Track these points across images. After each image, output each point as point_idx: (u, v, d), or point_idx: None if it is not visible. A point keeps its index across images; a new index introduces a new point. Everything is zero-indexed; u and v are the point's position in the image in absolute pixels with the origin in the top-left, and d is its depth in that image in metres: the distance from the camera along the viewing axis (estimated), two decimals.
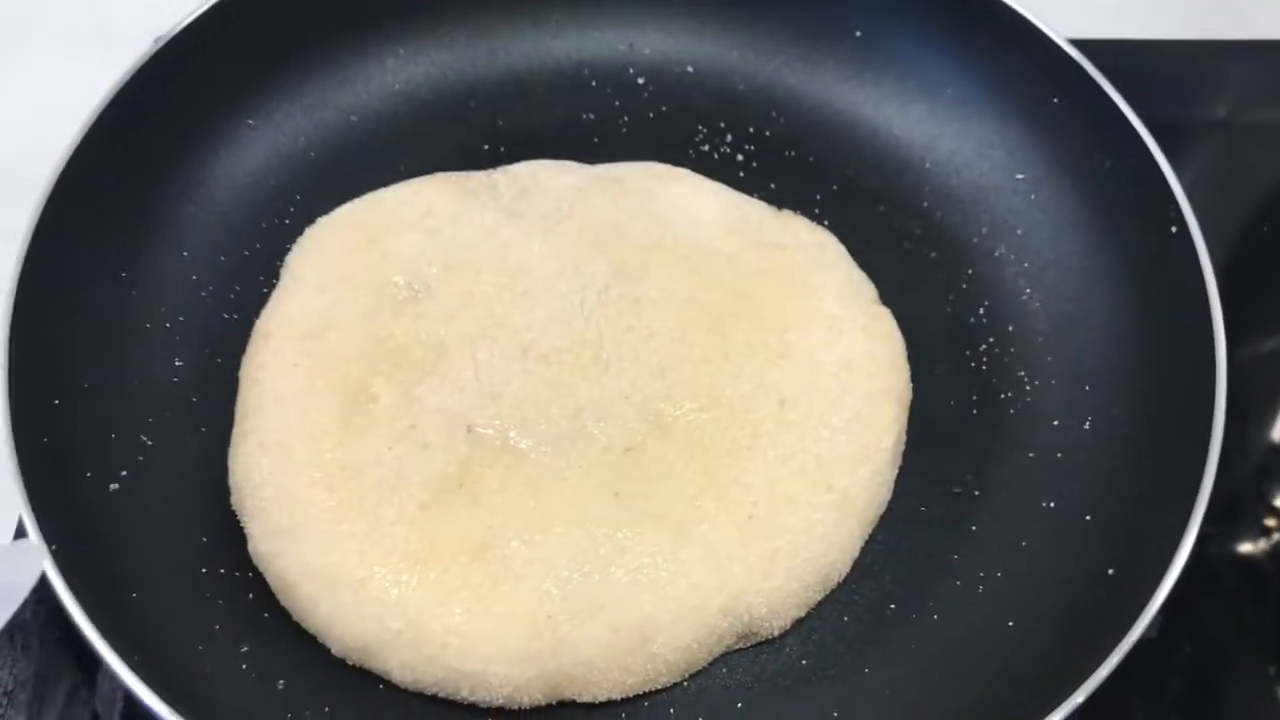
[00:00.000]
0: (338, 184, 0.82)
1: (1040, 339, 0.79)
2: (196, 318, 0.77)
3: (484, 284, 0.76)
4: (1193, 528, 0.65)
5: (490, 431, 0.71)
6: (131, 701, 0.59)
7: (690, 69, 0.90)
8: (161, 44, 0.78)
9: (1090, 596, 0.68)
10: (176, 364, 0.75)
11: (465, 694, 0.65)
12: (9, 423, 0.64)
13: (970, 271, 0.83)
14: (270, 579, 0.67)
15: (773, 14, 0.90)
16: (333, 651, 0.66)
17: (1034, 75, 0.83)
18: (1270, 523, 0.81)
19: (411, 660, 0.65)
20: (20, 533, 0.72)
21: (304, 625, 0.67)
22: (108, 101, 0.75)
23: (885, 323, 0.78)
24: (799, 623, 0.70)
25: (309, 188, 0.83)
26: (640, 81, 0.90)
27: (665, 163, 0.84)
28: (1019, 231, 0.83)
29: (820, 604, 0.70)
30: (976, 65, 0.86)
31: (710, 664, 0.68)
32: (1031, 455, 0.75)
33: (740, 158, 0.87)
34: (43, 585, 0.61)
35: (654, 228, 0.79)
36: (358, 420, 0.71)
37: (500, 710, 0.66)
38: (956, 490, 0.75)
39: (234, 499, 0.70)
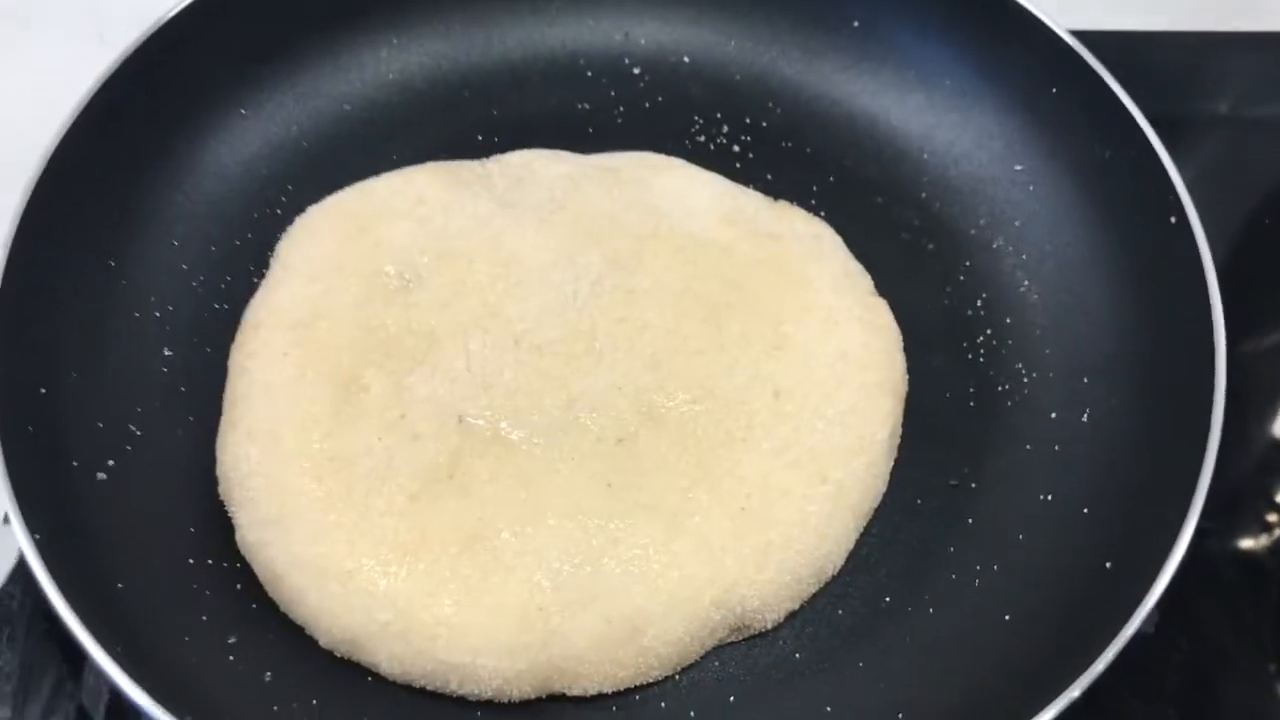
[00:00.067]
0: (330, 174, 0.82)
1: (1038, 331, 0.79)
2: (186, 307, 0.77)
3: (476, 274, 0.75)
4: (1191, 522, 0.64)
5: (481, 422, 0.70)
6: (117, 693, 0.58)
7: (686, 59, 0.90)
8: (152, 31, 0.77)
9: (1087, 590, 0.67)
10: (166, 354, 0.75)
11: (454, 686, 0.65)
12: None
13: (968, 263, 0.82)
14: (258, 570, 0.67)
15: (770, 3, 0.89)
16: (321, 643, 0.66)
17: (1033, 65, 0.82)
18: (1272, 518, 0.80)
19: (400, 652, 0.64)
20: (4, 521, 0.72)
21: (292, 616, 0.66)
22: (96, 89, 0.74)
23: (881, 314, 0.77)
24: (792, 616, 0.69)
25: (301, 177, 0.82)
26: (636, 71, 0.89)
27: (661, 153, 0.84)
28: (1017, 223, 0.82)
29: (814, 597, 0.70)
30: (975, 55, 0.85)
31: (702, 657, 0.68)
32: (1029, 448, 0.75)
33: (736, 148, 0.87)
34: (28, 576, 0.60)
35: (648, 218, 0.79)
36: (348, 410, 0.70)
37: (490, 703, 0.65)
38: (953, 483, 0.74)
39: (222, 489, 0.69)
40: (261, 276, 0.77)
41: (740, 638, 0.69)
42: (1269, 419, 0.85)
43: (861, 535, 0.71)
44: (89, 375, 0.71)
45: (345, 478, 0.68)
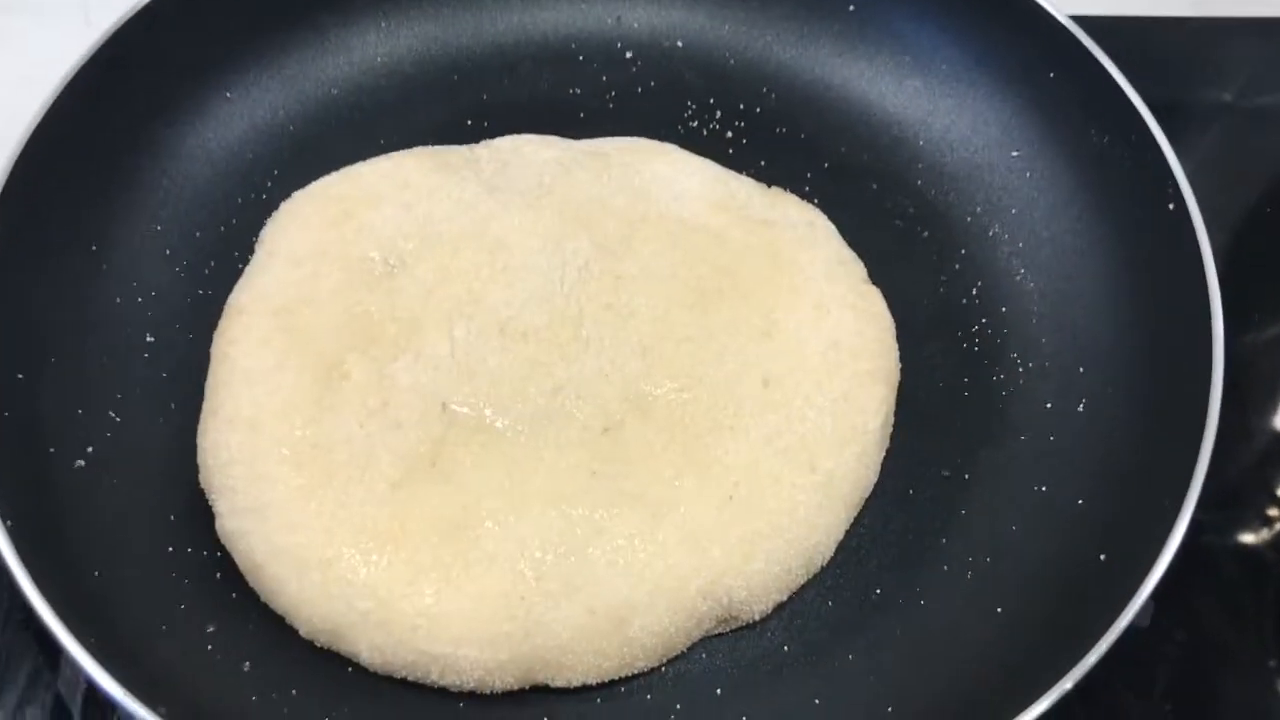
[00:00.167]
0: (317, 159, 0.81)
1: (1034, 320, 0.78)
2: (169, 293, 0.76)
3: (461, 260, 0.74)
4: (1186, 514, 0.64)
5: (466, 410, 0.69)
6: (94, 683, 0.58)
7: (680, 43, 0.89)
8: (135, 11, 0.76)
9: (1081, 583, 0.66)
10: (147, 340, 0.74)
11: (435, 677, 0.64)
12: None
13: (963, 250, 0.81)
14: (238, 558, 0.66)
15: None
16: (301, 633, 0.65)
17: (1031, 50, 0.81)
18: (1272, 512, 0.79)
19: (381, 642, 0.64)
20: None
21: (272, 606, 0.66)
22: (77, 70, 0.74)
23: (874, 302, 0.76)
24: (780, 607, 0.68)
25: (287, 162, 0.81)
26: (628, 56, 0.88)
27: (653, 139, 0.83)
28: (1013, 210, 0.81)
29: (803, 588, 0.69)
30: (972, 40, 0.84)
31: (689, 649, 0.67)
32: (1023, 438, 0.74)
33: (730, 134, 0.86)
34: (1, 564, 0.59)
35: (638, 203, 0.78)
36: (329, 397, 0.69)
37: (472, 694, 0.64)
38: (945, 473, 0.73)
39: (202, 477, 0.68)
40: (246, 262, 0.76)
41: (728, 629, 0.68)
42: (1270, 412, 0.84)
43: (852, 526, 0.70)
44: (69, 361, 0.70)
45: (326, 465, 0.67)
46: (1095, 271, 0.77)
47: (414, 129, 0.83)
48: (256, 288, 0.74)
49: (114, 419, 0.70)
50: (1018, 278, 0.79)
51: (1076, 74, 0.78)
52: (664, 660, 0.66)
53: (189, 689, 0.61)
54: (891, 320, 0.76)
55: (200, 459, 0.69)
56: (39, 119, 0.71)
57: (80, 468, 0.67)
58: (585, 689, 0.65)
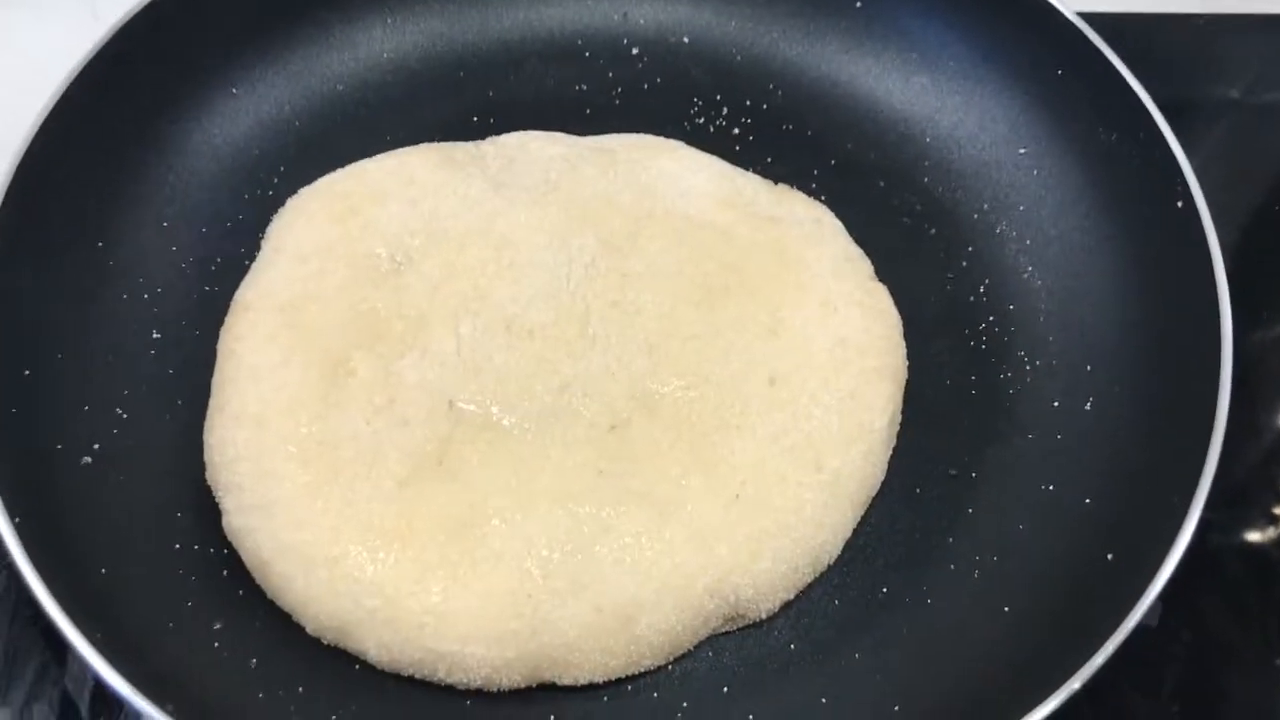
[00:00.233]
0: (323, 155, 0.80)
1: (1041, 318, 0.77)
2: (175, 289, 0.76)
3: (467, 256, 0.74)
4: (1195, 513, 0.63)
5: (472, 407, 0.69)
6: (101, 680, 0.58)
7: (686, 39, 0.88)
8: (142, 6, 0.76)
9: (1088, 582, 0.66)
10: (154, 336, 0.74)
11: (442, 675, 0.64)
12: None
13: (970, 248, 0.81)
14: (244, 555, 0.66)
15: None
16: (308, 630, 0.65)
17: (1039, 47, 0.81)
18: (1279, 511, 0.79)
19: (388, 639, 0.63)
20: None
21: (279, 603, 0.66)
22: (83, 66, 0.73)
23: (881, 299, 0.76)
24: (788, 605, 0.68)
25: (293, 158, 0.81)
26: (635, 52, 0.88)
27: (659, 135, 0.82)
28: (1021, 207, 0.81)
29: (810, 586, 0.69)
30: (980, 37, 0.84)
31: (696, 647, 0.67)
32: (1031, 437, 0.74)
33: (736, 131, 0.86)
34: (11, 561, 0.59)
35: (644, 199, 0.77)
36: (335, 394, 0.69)
37: (479, 692, 0.64)
38: (952, 472, 0.73)
39: (209, 474, 0.68)
40: (252, 259, 0.76)
41: (735, 628, 0.68)
42: (1278, 409, 0.84)
43: (859, 524, 0.70)
44: (75, 357, 0.70)
45: (333, 463, 0.67)
46: (1103, 269, 0.77)
47: (420, 125, 0.83)
48: (263, 284, 0.73)
49: (120, 416, 0.70)
50: (1025, 275, 0.79)
51: (1084, 71, 0.78)
52: (671, 658, 0.66)
53: (196, 686, 0.61)
54: (898, 317, 0.76)
55: (207, 456, 0.68)
56: (45, 115, 0.71)
57: (87, 464, 0.67)
58: (592, 687, 0.65)
